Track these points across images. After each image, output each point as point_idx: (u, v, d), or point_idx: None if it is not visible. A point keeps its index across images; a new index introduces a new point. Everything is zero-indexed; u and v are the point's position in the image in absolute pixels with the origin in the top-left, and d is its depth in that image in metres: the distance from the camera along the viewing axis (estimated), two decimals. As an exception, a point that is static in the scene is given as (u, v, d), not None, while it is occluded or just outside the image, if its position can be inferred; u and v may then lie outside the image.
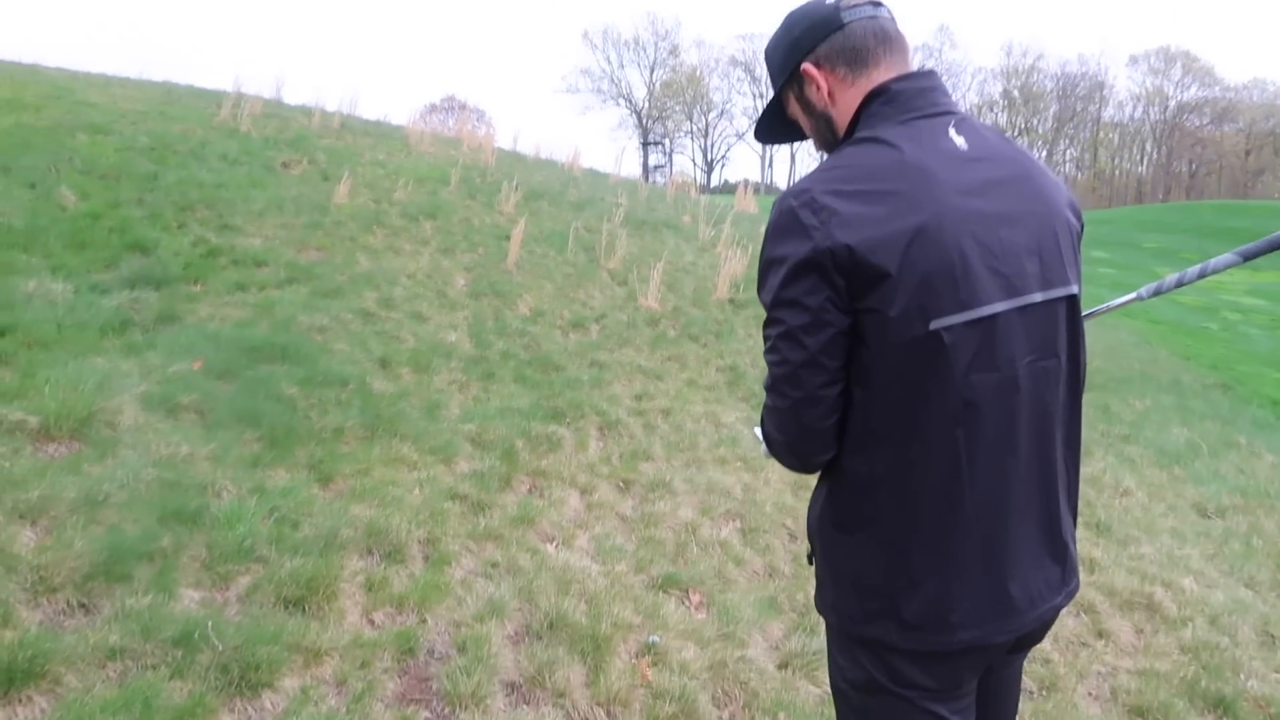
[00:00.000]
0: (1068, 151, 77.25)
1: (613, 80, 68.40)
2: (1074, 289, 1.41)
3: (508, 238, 8.23)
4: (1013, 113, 76.97)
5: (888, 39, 1.42)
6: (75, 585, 2.66)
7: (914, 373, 1.29)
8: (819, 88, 1.44)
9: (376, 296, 6.18)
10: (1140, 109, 72.59)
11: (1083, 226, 1.49)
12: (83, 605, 2.64)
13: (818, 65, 1.43)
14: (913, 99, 1.38)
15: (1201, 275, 1.80)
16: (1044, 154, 77.33)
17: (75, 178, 7.13)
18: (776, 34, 1.50)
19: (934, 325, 1.26)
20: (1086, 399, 7.38)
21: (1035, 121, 76.49)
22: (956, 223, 1.28)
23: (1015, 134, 77.90)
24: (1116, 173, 77.50)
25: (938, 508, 1.34)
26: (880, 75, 1.41)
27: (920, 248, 1.25)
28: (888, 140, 1.34)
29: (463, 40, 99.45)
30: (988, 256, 1.29)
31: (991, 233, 1.30)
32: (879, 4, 1.44)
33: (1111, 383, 9.14)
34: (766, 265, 1.35)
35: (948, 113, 1.39)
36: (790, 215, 1.31)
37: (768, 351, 1.37)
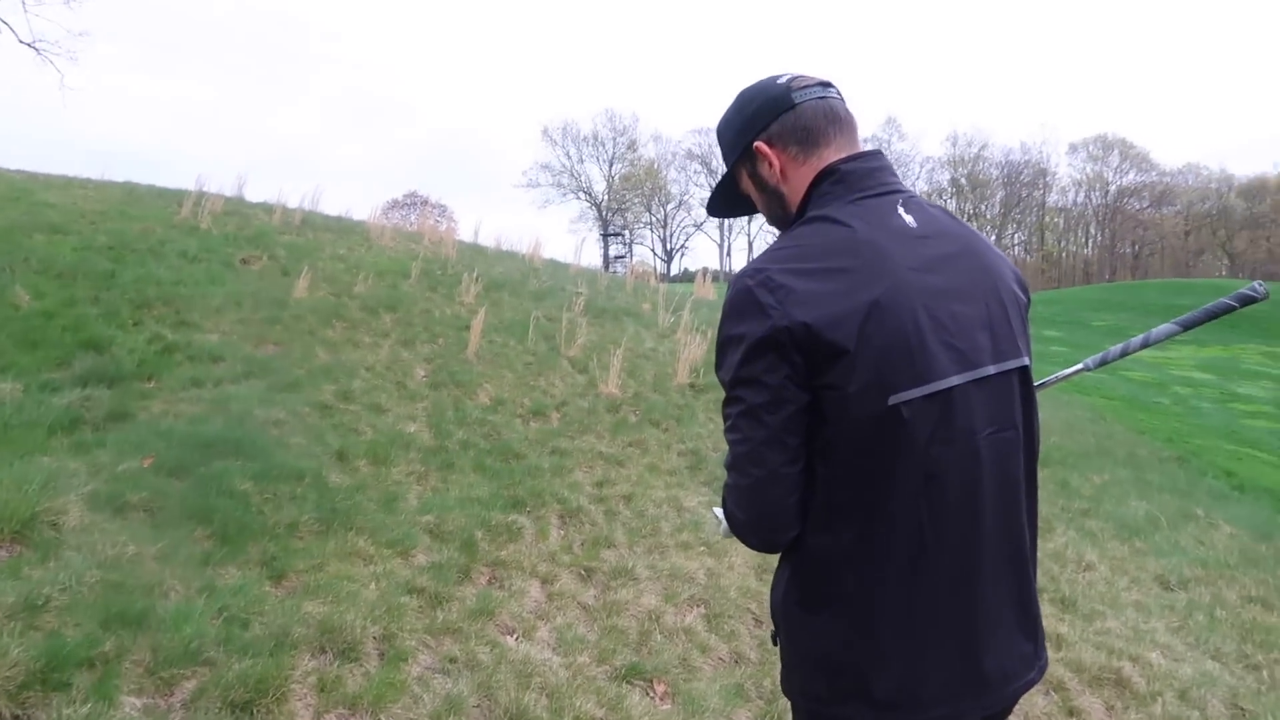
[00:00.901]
0: (1015, 235, 79.64)
1: (572, 174, 69.88)
2: (1025, 360, 1.42)
3: (468, 328, 8.25)
4: (961, 199, 79.44)
5: (837, 119, 1.46)
6: (9, 695, 2.54)
7: (875, 447, 1.29)
8: (770, 165, 1.48)
9: (335, 389, 6.13)
10: (1083, 194, 75.35)
11: (1029, 300, 1.51)
12: (16, 717, 2.51)
13: (769, 143, 1.47)
14: (862, 179, 1.42)
15: (1145, 344, 1.85)
16: (993, 237, 79.60)
17: (30, 277, 7.08)
18: (729, 111, 1.54)
19: (892, 400, 1.27)
20: (1045, 474, 7.49)
21: (983, 207, 78.97)
22: (910, 297, 1.30)
23: (965, 219, 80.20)
24: (1064, 255, 79.87)
25: (904, 582, 1.33)
26: (830, 155, 1.45)
27: (876, 323, 1.27)
28: (839, 219, 1.36)
29: (423, 136, 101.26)
30: (941, 330, 1.31)
31: (944, 307, 1.32)
32: (828, 85, 1.48)
33: (1070, 458, 9.24)
34: (724, 344, 1.36)
35: (895, 191, 1.43)
36: (747, 294, 1.32)
37: (728, 430, 1.37)
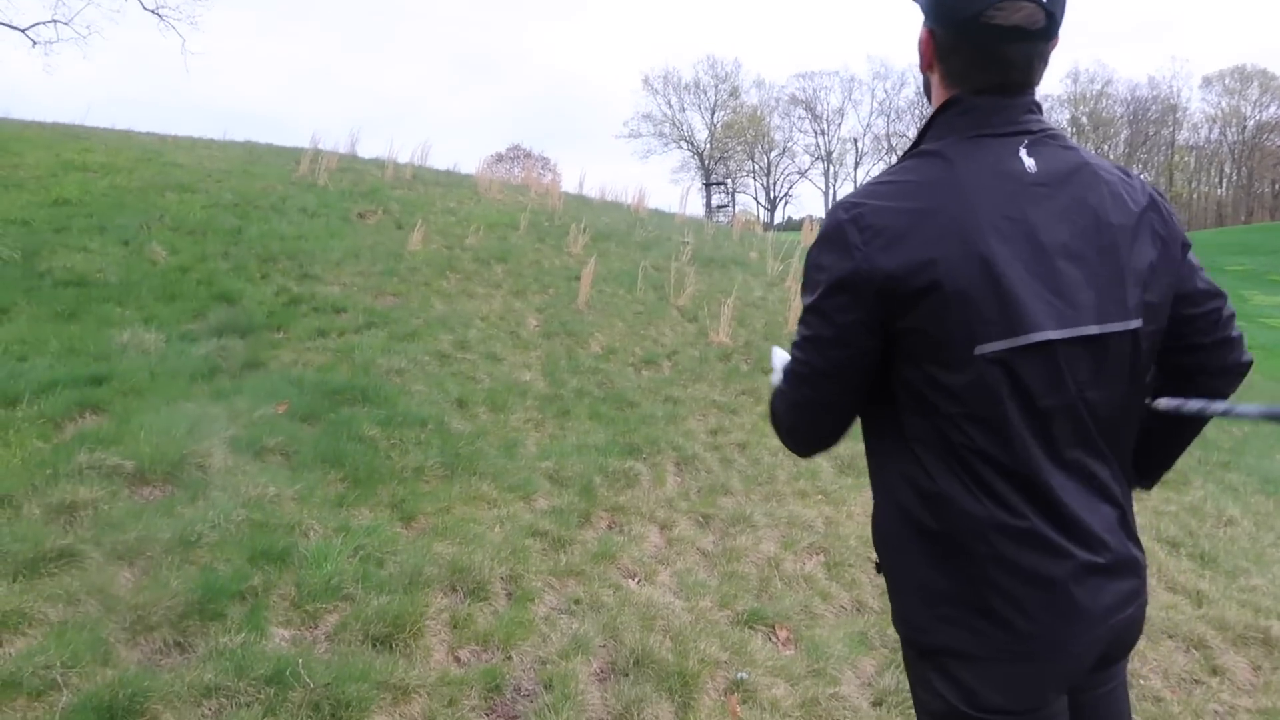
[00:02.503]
0: (1142, 177, 75.27)
1: (674, 124, 69.12)
2: (1134, 324, 1.31)
3: (577, 278, 8.29)
4: (1082, 139, 75.50)
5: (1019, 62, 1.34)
6: (171, 624, 2.71)
7: (962, 394, 1.26)
8: (925, 61, 1.40)
9: (452, 339, 6.26)
10: (1216, 130, 70.61)
11: (1180, 241, 1.40)
12: (179, 644, 2.67)
13: (933, 39, 1.37)
14: (989, 114, 1.33)
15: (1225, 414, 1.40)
16: (1117, 179, 75.53)
17: (165, 234, 7.43)
18: None
19: (979, 350, 1.24)
20: (1183, 424, 6.98)
21: (1106, 147, 74.90)
22: (1006, 248, 1.24)
23: (1086, 160, 76.30)
24: (1194, 196, 75.28)
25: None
26: (978, 81, 1.34)
27: (966, 272, 1.23)
28: (949, 156, 1.31)
29: (527, 90, 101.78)
30: (1037, 285, 1.25)
31: (1044, 262, 1.26)
32: None
33: (1205, 409, 8.78)
34: (810, 268, 1.36)
35: (1024, 131, 1.33)
36: (838, 229, 1.30)
37: (794, 345, 1.39)
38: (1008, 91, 1.34)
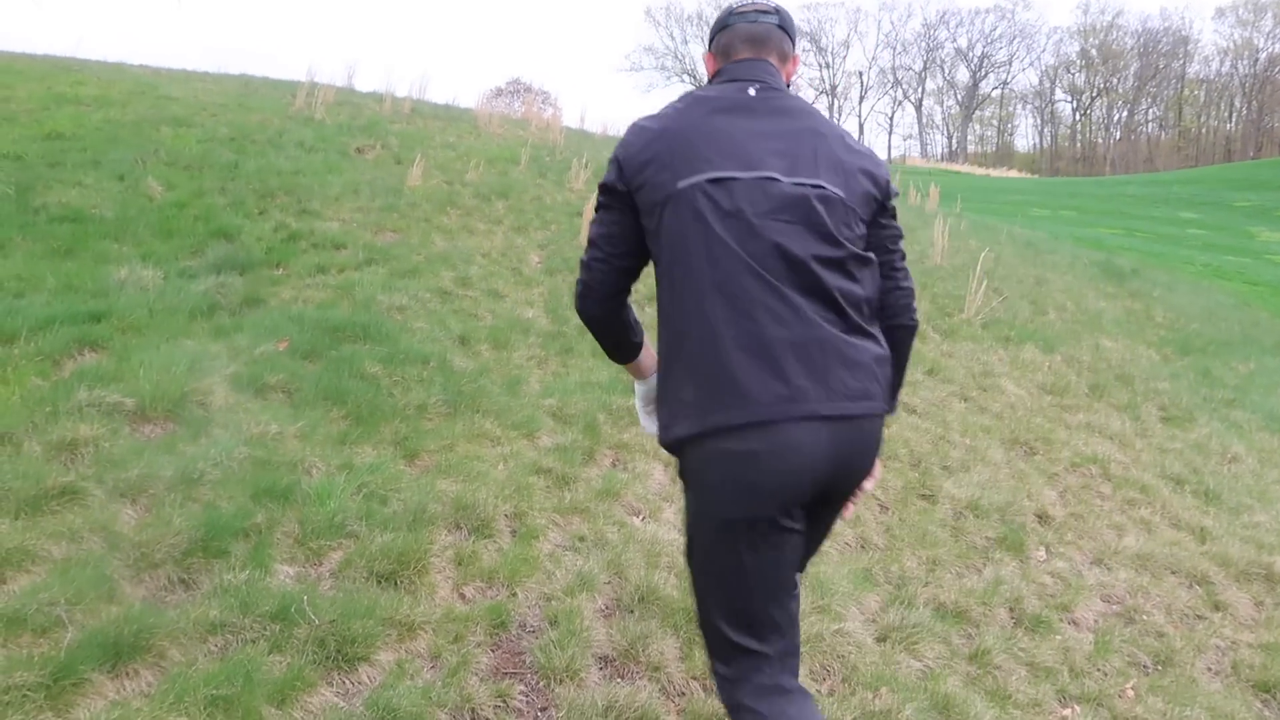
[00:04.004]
0: (1150, 110, 74.34)
1: (676, 56, 67.93)
2: (822, 183, 1.72)
3: (579, 214, 8.18)
4: (1091, 72, 74.26)
5: (754, 39, 1.88)
6: (175, 561, 2.70)
7: (677, 225, 1.70)
8: (708, 68, 1.96)
9: (453, 275, 6.19)
10: (1228, 63, 69.36)
11: (882, 192, 1.82)
12: (183, 581, 2.67)
13: (709, 52, 1.96)
14: (736, 74, 1.85)
15: None
16: (1125, 114, 74.49)
17: (161, 169, 7.30)
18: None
19: (680, 184, 1.69)
20: (1185, 362, 7.13)
21: (1115, 80, 73.71)
22: (709, 124, 1.75)
23: (1094, 94, 75.13)
24: (1203, 130, 74.28)
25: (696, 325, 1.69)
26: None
27: (670, 139, 1.73)
28: (698, 92, 1.86)
29: (525, 23, 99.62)
30: (728, 144, 1.72)
31: (739, 132, 1.74)
32: (767, 11, 1.89)
33: (1211, 346, 8.73)
34: (610, 160, 1.83)
35: (762, 83, 1.82)
36: (623, 137, 1.84)
37: (593, 219, 1.88)
38: (756, 64, 1.89)
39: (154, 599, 2.58)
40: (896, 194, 1.88)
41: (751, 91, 1.80)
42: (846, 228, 1.74)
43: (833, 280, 1.69)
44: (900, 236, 1.91)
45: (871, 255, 1.80)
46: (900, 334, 1.87)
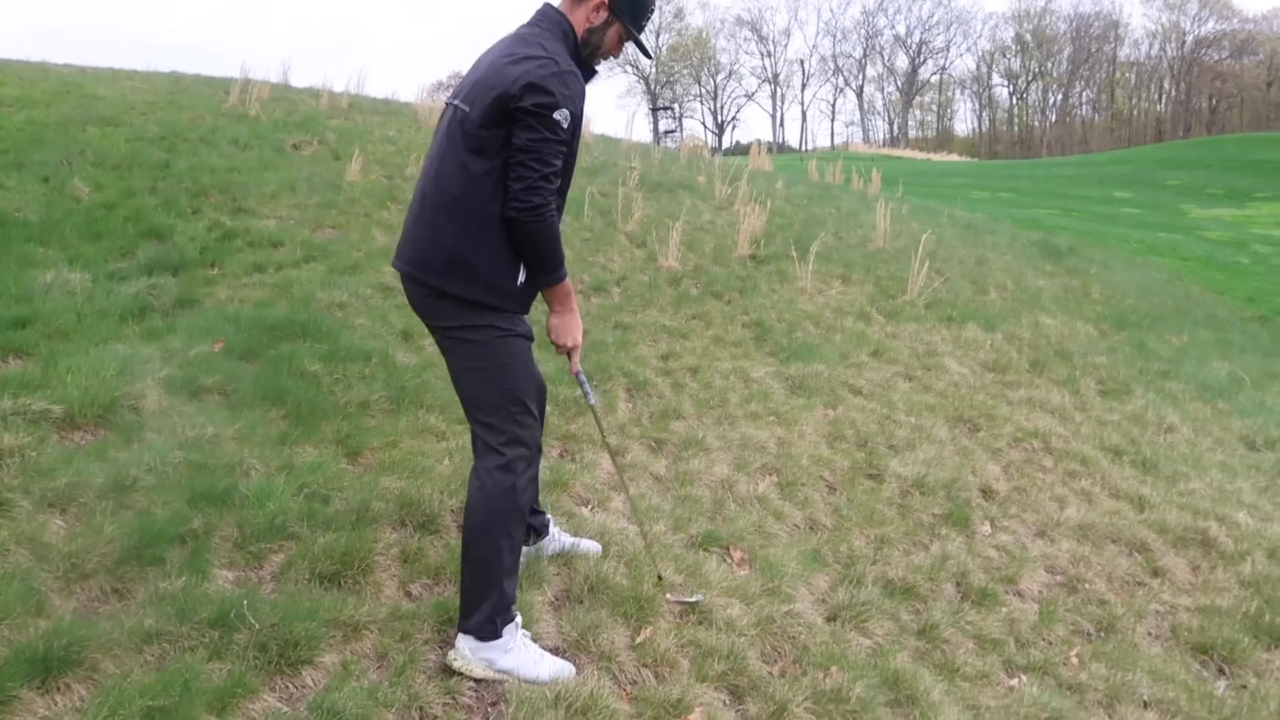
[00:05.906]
0: (1083, 94, 75.90)
1: (618, 47, 67.57)
2: (461, 104, 2.44)
3: (523, 206, 8.10)
4: (1026, 57, 75.59)
5: None
6: (108, 571, 2.62)
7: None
8: None
9: (394, 271, 6.09)
10: (1157, 46, 71.19)
11: (512, 94, 2.31)
12: (116, 590, 2.59)
13: None
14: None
15: None
16: (1059, 97, 75.90)
17: (88, 170, 7.09)
18: None
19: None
20: (1121, 336, 7.28)
21: (1049, 65, 75.13)
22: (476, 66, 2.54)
23: (1030, 78, 76.48)
24: (1135, 112, 76.13)
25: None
26: None
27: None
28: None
29: (466, 17, 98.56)
30: (463, 80, 2.54)
31: (472, 73, 2.51)
32: None
33: (1146, 319, 8.95)
34: None
35: (526, 25, 2.53)
36: None
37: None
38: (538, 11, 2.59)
39: (85, 611, 2.50)
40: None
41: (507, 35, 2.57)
42: None
43: None
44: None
45: None
46: None
